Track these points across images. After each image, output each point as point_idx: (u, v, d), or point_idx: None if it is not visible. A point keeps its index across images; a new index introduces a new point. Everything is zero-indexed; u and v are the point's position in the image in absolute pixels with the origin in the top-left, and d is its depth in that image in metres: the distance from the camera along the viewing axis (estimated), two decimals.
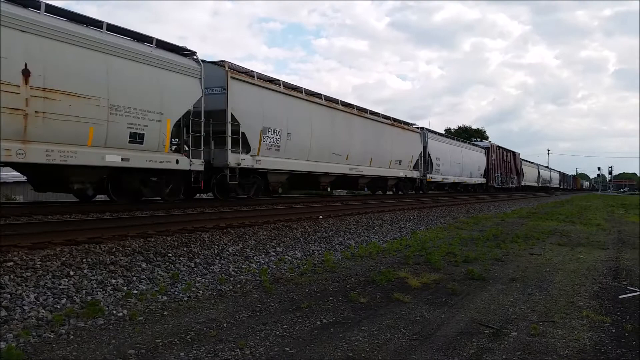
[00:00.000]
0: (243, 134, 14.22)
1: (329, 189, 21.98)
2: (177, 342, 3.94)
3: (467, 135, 74.82)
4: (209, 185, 14.06)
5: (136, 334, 4.10)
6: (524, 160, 56.99)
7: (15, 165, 9.81)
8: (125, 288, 5.34)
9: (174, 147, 13.04)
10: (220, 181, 14.00)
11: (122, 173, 11.33)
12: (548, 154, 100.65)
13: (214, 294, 5.53)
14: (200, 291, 5.56)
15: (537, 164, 68.55)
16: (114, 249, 6.54)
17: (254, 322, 4.54)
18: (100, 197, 13.46)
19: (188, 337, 4.06)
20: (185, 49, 12.76)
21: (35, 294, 4.75)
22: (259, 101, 15.01)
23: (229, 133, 13.68)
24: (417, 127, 28.28)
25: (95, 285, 5.26)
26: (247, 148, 14.54)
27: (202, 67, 12.85)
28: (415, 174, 27.19)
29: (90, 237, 7.03)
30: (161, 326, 4.32)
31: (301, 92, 17.46)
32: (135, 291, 5.31)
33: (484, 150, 40.34)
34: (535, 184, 63.44)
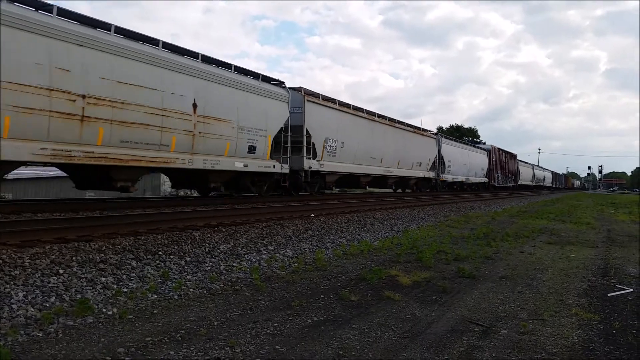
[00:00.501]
0: (313, 143, 17.84)
1: (367, 187, 25.76)
2: (167, 340, 3.93)
3: (459, 134, 75.19)
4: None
5: (126, 332, 4.09)
6: (520, 160, 60.57)
7: (176, 171, 13.66)
8: (115, 286, 5.32)
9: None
10: (294, 181, 17.46)
11: (242, 175, 15.05)
12: (539, 153, 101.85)
13: (205, 292, 5.51)
14: (191, 289, 5.54)
15: (532, 164, 72.62)
16: (104, 247, 6.50)
17: (244, 320, 4.53)
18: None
19: (178, 335, 4.05)
20: (277, 80, 16.33)
21: (24, 293, 4.71)
22: (322, 117, 18.66)
23: (305, 144, 17.21)
24: (433, 133, 32.17)
25: (84, 284, 5.23)
26: (314, 155, 18.03)
27: (289, 93, 16.42)
28: (431, 174, 30.92)
29: (80, 235, 6.99)
30: (151, 324, 4.31)
31: (349, 107, 21.16)
32: (125, 289, 5.28)
33: (486, 152, 43.78)
34: (530, 183, 67.13)
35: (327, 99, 19.59)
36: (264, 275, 6.38)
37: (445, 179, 32.95)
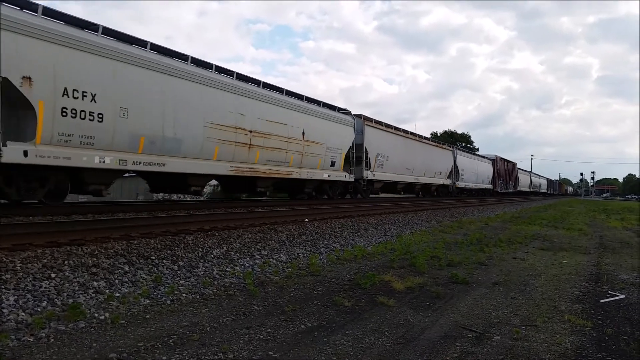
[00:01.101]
0: (369, 158, 23.45)
1: (402, 193, 31.88)
2: (160, 345, 3.90)
3: (452, 140, 75.47)
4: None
5: (118, 337, 4.06)
6: (519, 169, 67.60)
7: (288, 181, 18.72)
8: (107, 291, 5.28)
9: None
10: (354, 187, 23.63)
11: (324, 183, 20.82)
12: (532, 159, 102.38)
13: (198, 297, 5.48)
14: (184, 294, 5.51)
15: (529, 172, 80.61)
16: (96, 251, 6.47)
17: (237, 325, 4.51)
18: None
19: (171, 340, 4.02)
20: (345, 110, 22.44)
21: (15, 297, 4.67)
22: (375, 137, 24.40)
23: (364, 158, 23.14)
24: (449, 146, 38.91)
25: (76, 288, 5.19)
26: (369, 167, 23.73)
27: (354, 120, 22.46)
28: (449, 182, 37.28)
29: (73, 239, 6.95)
30: (143, 330, 4.28)
31: (392, 128, 27.27)
32: (118, 294, 5.24)
33: (491, 162, 49.94)
34: (528, 189, 74.39)
35: (378, 122, 25.55)
36: (257, 280, 6.36)
37: (459, 186, 39.21)
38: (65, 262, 5.82)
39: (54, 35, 9.73)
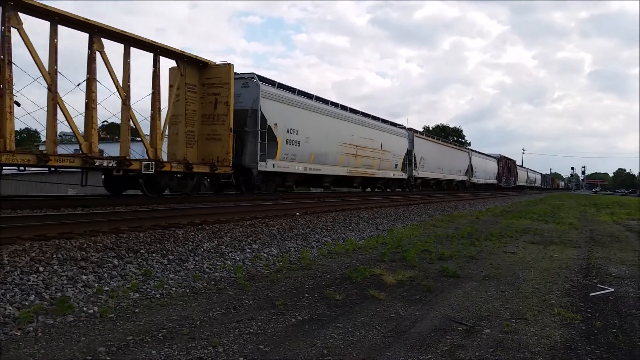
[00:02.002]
0: (415, 161, 31.62)
1: (434, 187, 39.29)
2: (149, 339, 3.87)
3: (444, 134, 75.81)
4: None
5: (107, 331, 4.02)
6: (518, 165, 76.51)
7: (369, 179, 26.89)
8: (96, 284, 5.24)
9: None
10: (407, 183, 31.82)
11: (390, 180, 28.75)
12: (523, 153, 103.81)
13: (188, 291, 5.45)
14: (173, 288, 5.48)
15: (526, 168, 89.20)
16: (85, 245, 6.40)
17: (228, 319, 4.49)
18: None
19: (160, 334, 3.99)
20: (402, 125, 31.74)
21: (2, 291, 4.61)
22: (419, 144, 32.80)
23: (414, 161, 31.66)
24: (466, 148, 48.96)
25: (65, 282, 5.14)
26: (415, 167, 31.91)
27: (408, 132, 31.15)
28: (465, 178, 45.72)
29: (61, 233, 6.88)
30: (132, 323, 4.24)
31: (429, 136, 37.92)
32: (107, 288, 5.20)
33: (496, 160, 58.23)
34: (525, 184, 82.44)
35: (421, 133, 37.01)
36: (248, 274, 6.33)
37: (473, 181, 47.60)
38: (54, 256, 5.76)
39: (282, 99, 17.98)
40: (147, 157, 13.13)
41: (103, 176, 13.83)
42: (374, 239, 10.35)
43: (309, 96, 20.24)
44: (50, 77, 10.78)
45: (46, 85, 10.76)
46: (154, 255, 6.65)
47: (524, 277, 6.98)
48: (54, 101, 10.84)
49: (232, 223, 9.62)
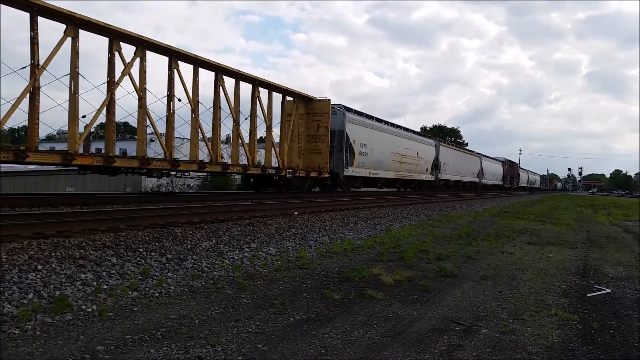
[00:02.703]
0: (439, 166, 36.56)
1: (452, 187, 44.00)
2: (147, 338, 3.88)
3: (442, 134, 75.97)
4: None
5: (105, 330, 4.03)
6: (520, 168, 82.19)
7: (409, 181, 33.17)
8: (94, 283, 5.24)
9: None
10: (433, 184, 37.19)
11: (421, 181, 34.25)
12: (519, 153, 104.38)
13: (186, 290, 5.46)
14: (172, 287, 5.48)
15: (527, 170, 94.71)
16: (84, 243, 6.41)
17: (226, 318, 4.50)
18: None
19: (158, 333, 4.00)
20: (430, 135, 43.83)
21: (1, 289, 4.62)
22: (443, 151, 38.18)
23: (439, 166, 36.96)
24: (477, 154, 52.40)
25: (63, 280, 5.15)
26: (439, 171, 37.19)
27: (436, 141, 38.00)
28: (477, 180, 50.97)
29: (60, 231, 6.88)
30: (131, 322, 4.25)
31: (451, 144, 46.00)
32: (105, 286, 5.21)
33: (501, 163, 63.73)
34: (526, 185, 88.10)
35: (445, 141, 45.71)
36: (246, 273, 6.34)
37: (483, 182, 52.87)
38: (52, 254, 5.76)
39: (357, 122, 23.65)
40: (278, 166, 18.60)
41: (252, 179, 20.61)
42: (372, 238, 10.36)
43: (371, 117, 26.46)
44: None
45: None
46: (153, 254, 6.66)
47: (521, 277, 7.00)
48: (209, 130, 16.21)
49: (230, 222, 9.63)
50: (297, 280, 6.17)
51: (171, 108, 13.96)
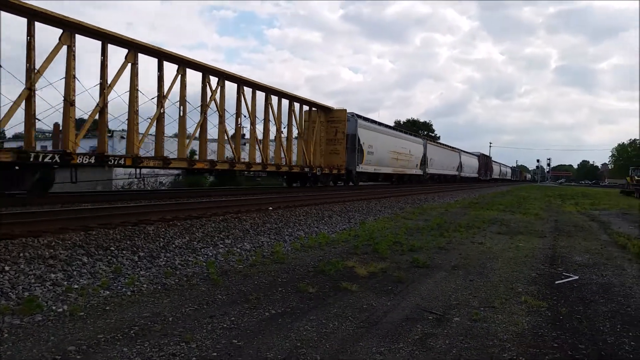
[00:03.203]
0: (427, 161, 42.01)
1: (437, 180, 48.03)
2: (120, 337, 3.84)
3: (415, 128, 76.64)
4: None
5: (77, 329, 3.97)
6: (493, 161, 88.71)
7: (400, 175, 37.52)
8: (65, 283, 5.15)
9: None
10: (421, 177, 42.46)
11: (412, 175, 39.95)
12: (490, 146, 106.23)
13: (159, 287, 5.41)
14: (145, 285, 5.42)
15: (499, 163, 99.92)
16: (54, 243, 6.29)
17: (200, 315, 4.48)
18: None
19: (132, 332, 3.96)
20: (419, 134, 49.47)
21: None
22: (430, 148, 43.64)
23: (426, 162, 42.39)
24: (457, 149, 57.17)
25: (33, 281, 5.04)
26: (426, 166, 42.25)
27: (424, 140, 43.81)
28: (457, 173, 55.97)
29: (28, 231, 6.72)
30: (103, 321, 4.19)
31: (436, 142, 53.08)
32: (76, 286, 5.12)
33: (477, 157, 69.35)
34: (498, 177, 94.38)
35: (432, 140, 55.05)
36: (220, 270, 6.31)
37: (462, 175, 57.97)
38: (21, 254, 5.64)
39: (366, 126, 28.70)
40: (310, 165, 23.30)
41: (285, 176, 25.32)
42: (347, 232, 10.42)
43: (375, 122, 31.68)
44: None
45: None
46: (124, 252, 6.57)
47: (491, 266, 7.14)
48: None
49: (204, 219, 9.56)
50: (272, 275, 6.17)
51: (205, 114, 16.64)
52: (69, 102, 11.66)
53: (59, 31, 11.56)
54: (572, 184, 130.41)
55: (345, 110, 26.00)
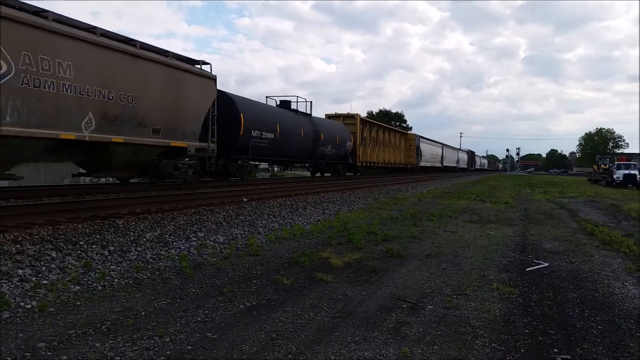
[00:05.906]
0: (421, 154, 48.18)
1: (429, 170, 55.98)
2: (92, 332, 3.76)
3: (387, 119, 76.94)
4: None
5: (47, 325, 3.87)
6: (477, 155, 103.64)
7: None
8: (33, 278, 5.02)
9: None
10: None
11: (438, 168, 60.69)
12: (460, 136, 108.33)
13: (131, 282, 5.32)
14: (116, 280, 5.33)
15: (480, 156, 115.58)
16: (20, 238, 6.12)
17: (173, 309, 4.42)
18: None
19: (104, 327, 3.89)
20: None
21: None
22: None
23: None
24: (440, 143, 61.50)
25: None
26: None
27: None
28: (455, 165, 70.01)
29: None
30: (74, 317, 4.11)
31: (429, 140, 54.57)
32: (45, 281, 5.00)
33: (466, 153, 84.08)
34: (479, 167, 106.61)
35: (424, 137, 51.02)
36: (193, 263, 6.25)
37: (459, 167, 71.88)
38: None
39: (421, 141, 50.17)
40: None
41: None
42: (321, 223, 10.43)
43: (423, 137, 44.72)
44: None
45: None
46: (94, 246, 6.44)
47: (463, 254, 7.25)
48: None
49: (175, 211, 9.44)
50: (247, 267, 6.14)
51: None
52: None
53: None
54: (541, 172, 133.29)
55: (415, 134, 47.22)
